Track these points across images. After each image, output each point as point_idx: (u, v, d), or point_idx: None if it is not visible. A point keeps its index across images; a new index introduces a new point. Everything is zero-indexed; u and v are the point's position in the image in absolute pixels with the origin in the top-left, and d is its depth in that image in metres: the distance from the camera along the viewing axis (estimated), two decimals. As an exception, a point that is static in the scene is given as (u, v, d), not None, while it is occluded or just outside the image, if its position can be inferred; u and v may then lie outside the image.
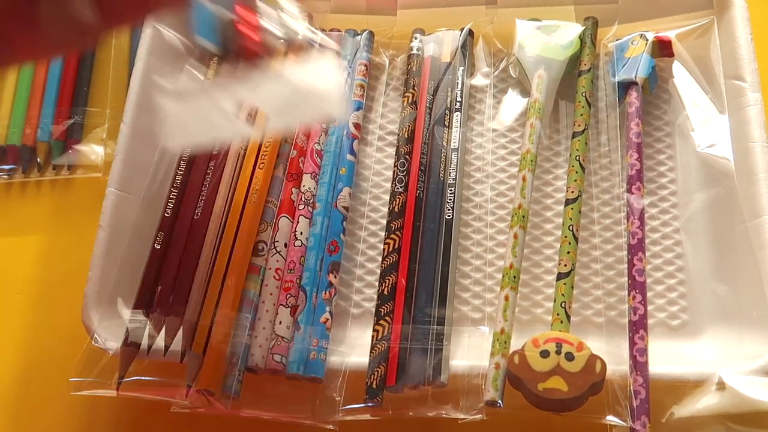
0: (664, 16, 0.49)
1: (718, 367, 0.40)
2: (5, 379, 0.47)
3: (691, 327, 0.43)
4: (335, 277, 0.44)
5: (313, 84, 0.37)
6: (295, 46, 0.39)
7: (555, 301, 0.43)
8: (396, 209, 0.45)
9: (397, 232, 0.45)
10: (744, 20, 0.48)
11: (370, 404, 0.40)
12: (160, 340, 0.42)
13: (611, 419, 0.38)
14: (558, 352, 0.39)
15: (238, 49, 0.36)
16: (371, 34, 0.52)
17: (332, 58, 0.38)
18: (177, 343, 0.42)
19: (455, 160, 0.47)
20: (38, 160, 0.54)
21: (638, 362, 0.40)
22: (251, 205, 0.45)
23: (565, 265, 0.43)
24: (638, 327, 0.41)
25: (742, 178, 0.44)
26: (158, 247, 0.44)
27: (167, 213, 0.45)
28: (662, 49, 0.50)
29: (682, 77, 0.49)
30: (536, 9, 0.51)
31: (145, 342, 0.42)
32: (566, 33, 0.50)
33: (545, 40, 0.50)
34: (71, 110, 0.55)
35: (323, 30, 0.52)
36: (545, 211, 0.47)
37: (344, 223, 0.46)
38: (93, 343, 0.42)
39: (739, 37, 0.48)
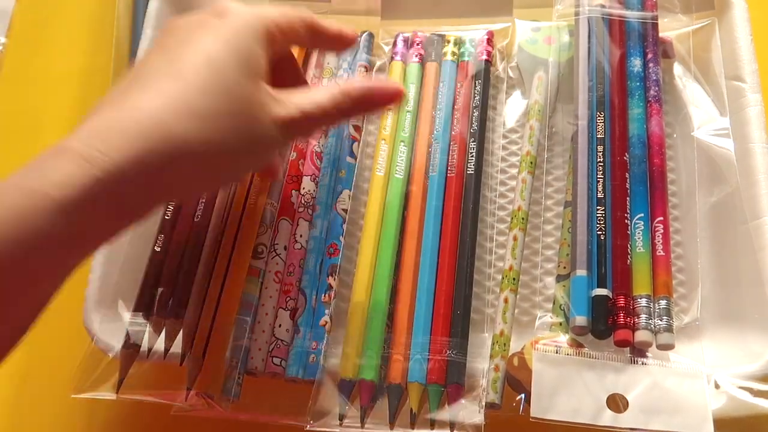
0: (665, 17, 0.49)
1: (716, 369, 0.39)
2: (5, 380, 0.47)
3: (687, 330, 0.42)
4: (335, 279, 0.44)
5: (678, 391, 0.38)
6: None
7: (554, 304, 0.43)
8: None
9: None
10: (744, 21, 0.48)
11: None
12: (160, 343, 0.42)
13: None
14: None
15: None
16: (371, 35, 0.52)
17: (699, 376, 0.39)
18: (177, 346, 0.41)
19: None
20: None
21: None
22: (251, 207, 0.45)
23: (564, 267, 0.43)
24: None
25: (742, 179, 0.44)
26: (158, 249, 0.44)
27: (167, 216, 0.45)
28: (662, 50, 0.49)
29: (682, 78, 0.49)
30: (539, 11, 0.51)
31: (145, 345, 0.41)
32: (565, 34, 0.50)
33: (543, 42, 0.50)
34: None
35: None
36: (545, 212, 0.47)
37: (344, 225, 0.46)
38: (94, 345, 0.42)
39: (739, 38, 0.48)
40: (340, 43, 0.40)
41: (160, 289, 0.43)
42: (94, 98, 0.51)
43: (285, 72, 0.40)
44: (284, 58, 0.40)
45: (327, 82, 0.50)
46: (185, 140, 0.31)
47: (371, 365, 0.41)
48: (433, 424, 0.39)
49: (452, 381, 0.40)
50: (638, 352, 0.40)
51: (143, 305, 0.42)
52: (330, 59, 0.51)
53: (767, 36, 0.50)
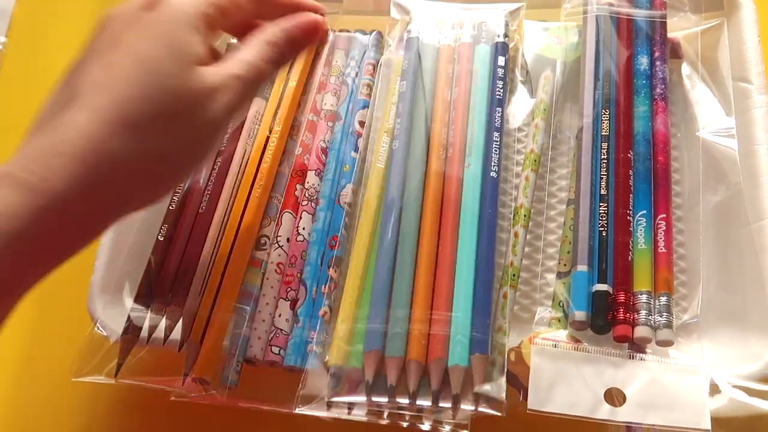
0: (674, 16, 0.48)
1: (716, 369, 0.39)
2: (10, 363, 0.48)
3: (686, 328, 0.41)
4: (336, 271, 0.44)
5: (676, 387, 0.38)
6: None
7: (553, 300, 0.42)
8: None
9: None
10: (752, 22, 0.47)
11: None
12: (160, 329, 0.42)
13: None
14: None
15: None
16: (380, 34, 0.52)
17: (698, 373, 0.38)
18: (176, 333, 0.41)
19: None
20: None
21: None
22: (254, 200, 0.45)
23: (565, 265, 0.43)
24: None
25: (746, 181, 0.43)
26: (162, 239, 0.44)
27: (171, 206, 0.45)
28: (671, 50, 0.48)
29: (689, 78, 0.48)
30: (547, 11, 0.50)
31: (145, 330, 0.42)
32: (572, 35, 0.49)
33: (551, 42, 0.49)
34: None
35: (333, 31, 0.51)
36: (548, 210, 0.46)
37: (346, 218, 0.45)
38: (96, 330, 0.42)
39: (747, 39, 0.47)
40: (295, 9, 0.40)
41: (162, 277, 0.43)
42: None
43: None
44: (248, 28, 0.38)
45: (334, 80, 0.50)
46: (123, 156, 0.30)
47: (359, 351, 0.40)
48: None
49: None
50: (637, 347, 0.39)
51: (145, 292, 0.43)
52: (339, 58, 0.51)
53: None
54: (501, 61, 0.47)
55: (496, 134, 0.45)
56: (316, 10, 0.40)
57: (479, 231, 0.42)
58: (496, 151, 0.45)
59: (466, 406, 0.38)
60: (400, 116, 0.46)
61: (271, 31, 0.37)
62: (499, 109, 0.46)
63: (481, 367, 0.39)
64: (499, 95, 0.46)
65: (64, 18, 0.63)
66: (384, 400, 0.39)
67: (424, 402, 0.39)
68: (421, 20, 0.50)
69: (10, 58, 0.61)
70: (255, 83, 0.36)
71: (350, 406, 0.39)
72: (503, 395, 0.38)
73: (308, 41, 0.39)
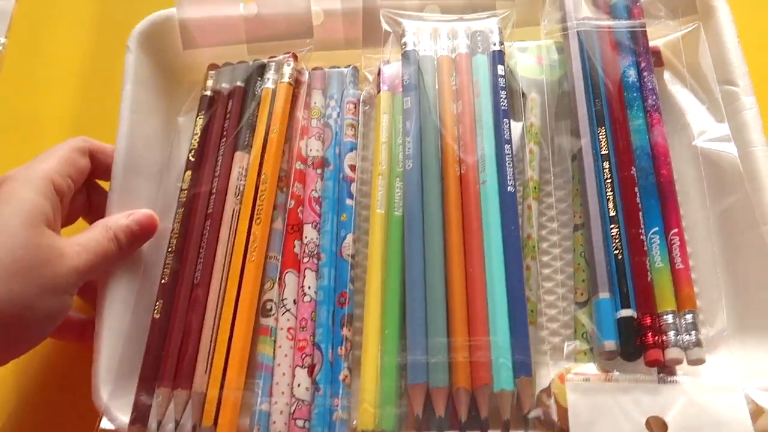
0: (651, 24, 0.47)
1: (748, 382, 0.38)
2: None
3: (710, 343, 0.40)
4: (349, 330, 0.41)
5: (715, 406, 0.37)
6: None
7: (576, 332, 0.41)
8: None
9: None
10: (729, 23, 0.47)
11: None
12: (170, 416, 0.40)
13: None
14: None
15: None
16: (355, 68, 0.50)
17: (735, 389, 0.38)
18: (187, 417, 0.40)
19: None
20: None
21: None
22: (251, 264, 0.43)
23: (582, 294, 0.42)
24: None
25: (748, 184, 0.43)
26: (158, 315, 0.42)
27: (164, 280, 0.43)
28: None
29: (674, 86, 0.48)
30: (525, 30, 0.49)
31: (153, 418, 0.40)
32: (552, 52, 0.48)
33: (533, 62, 0.48)
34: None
35: (307, 69, 0.50)
36: (551, 236, 0.45)
37: (352, 271, 0.43)
38: (105, 421, 0.40)
39: (726, 41, 0.47)
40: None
41: (164, 358, 0.41)
42: (94, 98, 0.58)
43: (93, 196, 0.47)
44: (88, 184, 0.47)
45: (315, 123, 0.48)
46: None
47: (389, 414, 0.38)
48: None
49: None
50: (669, 370, 0.38)
51: (149, 376, 0.41)
52: (317, 99, 0.49)
53: (752, 35, 0.49)
54: (500, 70, 0.46)
55: (507, 147, 0.44)
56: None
57: (505, 248, 0.41)
58: (509, 164, 0.43)
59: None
60: (409, 134, 0.44)
61: (113, 218, 0.44)
62: (506, 120, 0.45)
63: (528, 390, 0.38)
64: (504, 106, 0.45)
65: (64, 18, 0.64)
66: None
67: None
68: (415, 32, 0.48)
69: (10, 59, 0.62)
70: (100, 258, 0.41)
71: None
72: (555, 417, 0.37)
73: (148, 237, 0.45)
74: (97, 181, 0.48)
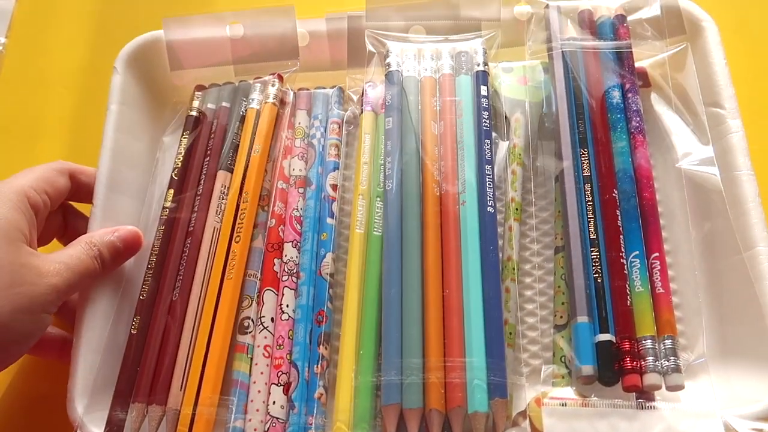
0: (638, 45, 0.47)
1: (727, 410, 0.37)
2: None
3: (690, 368, 0.40)
4: (326, 348, 0.41)
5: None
6: None
7: (554, 356, 0.41)
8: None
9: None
10: (717, 44, 0.47)
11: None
12: (143, 431, 0.40)
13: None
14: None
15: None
16: (340, 89, 0.50)
17: (713, 415, 0.37)
18: None
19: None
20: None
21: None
22: (229, 281, 0.43)
23: (561, 317, 0.41)
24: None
25: (731, 209, 0.42)
26: (135, 331, 0.43)
27: (142, 296, 0.44)
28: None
29: (660, 107, 0.47)
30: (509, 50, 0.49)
31: None
32: (537, 73, 0.48)
33: (517, 83, 0.48)
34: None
35: (293, 90, 0.51)
36: (532, 257, 0.45)
37: (330, 290, 0.43)
38: None
39: (713, 62, 0.46)
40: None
41: (139, 374, 0.41)
42: (94, 98, 0.57)
43: (68, 218, 0.48)
44: (64, 207, 0.47)
45: (299, 143, 0.48)
46: None
47: None
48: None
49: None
50: (647, 396, 0.38)
51: (124, 391, 0.41)
52: (301, 119, 0.49)
53: (740, 56, 0.49)
54: (483, 90, 0.47)
55: (487, 168, 0.44)
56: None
57: (483, 269, 0.41)
58: (489, 185, 0.44)
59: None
60: (390, 154, 0.45)
61: (98, 234, 0.44)
62: (488, 141, 0.45)
63: (502, 412, 0.38)
64: (486, 126, 0.45)
65: (64, 18, 0.65)
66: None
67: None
68: (399, 53, 0.49)
69: (10, 58, 0.63)
70: (82, 276, 0.41)
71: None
72: None
73: (133, 253, 0.45)
74: (73, 205, 0.48)
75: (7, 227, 0.39)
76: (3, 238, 0.38)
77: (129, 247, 0.44)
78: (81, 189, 0.46)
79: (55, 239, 0.48)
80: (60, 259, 0.40)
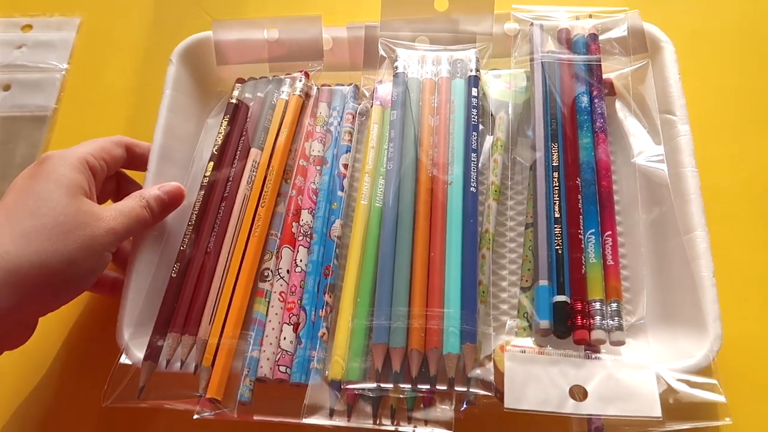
0: (607, 59, 0.51)
1: (661, 364, 0.40)
2: (45, 390, 0.49)
3: (633, 328, 0.43)
4: (330, 297, 0.46)
5: (630, 381, 0.40)
6: None
7: (519, 312, 0.44)
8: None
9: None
10: (673, 62, 0.50)
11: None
12: (177, 356, 0.44)
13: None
14: (523, 356, 0.41)
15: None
16: (356, 87, 0.54)
17: (648, 367, 0.40)
18: (192, 358, 0.43)
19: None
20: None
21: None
22: (254, 238, 0.47)
23: (527, 281, 0.45)
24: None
25: (676, 199, 0.46)
26: (174, 275, 0.46)
27: (182, 247, 0.47)
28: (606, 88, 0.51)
29: (623, 112, 0.51)
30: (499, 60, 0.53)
31: (164, 357, 0.43)
32: (521, 80, 0.52)
33: (504, 87, 0.52)
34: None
35: (317, 86, 0.54)
36: (508, 233, 0.48)
37: (336, 250, 0.47)
38: (123, 359, 0.44)
39: (669, 76, 0.50)
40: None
41: (177, 310, 0.45)
42: (145, 114, 0.58)
43: (122, 183, 0.51)
44: (119, 174, 0.50)
45: (319, 129, 0.52)
46: (18, 253, 0.38)
47: (355, 367, 0.42)
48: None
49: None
50: (593, 348, 0.41)
51: (163, 323, 0.44)
52: (322, 110, 0.53)
53: (692, 72, 0.52)
54: (474, 92, 0.50)
55: (473, 155, 0.48)
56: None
57: (463, 238, 0.45)
58: (474, 170, 0.47)
59: (460, 388, 0.41)
60: (393, 141, 0.49)
61: (147, 189, 0.47)
62: (475, 133, 0.49)
63: (471, 354, 0.41)
64: (474, 121, 0.49)
65: (119, 47, 0.67)
66: (390, 386, 0.41)
67: (424, 386, 0.41)
68: (406, 58, 0.52)
69: (71, 83, 0.65)
70: (135, 222, 0.44)
71: (350, 413, 0.41)
72: (491, 377, 0.41)
73: (177, 205, 0.48)
74: (126, 173, 0.51)
75: (68, 183, 0.42)
76: (65, 192, 0.41)
77: (173, 198, 0.47)
78: (135, 159, 0.49)
79: (110, 201, 0.50)
80: (116, 208, 0.43)
